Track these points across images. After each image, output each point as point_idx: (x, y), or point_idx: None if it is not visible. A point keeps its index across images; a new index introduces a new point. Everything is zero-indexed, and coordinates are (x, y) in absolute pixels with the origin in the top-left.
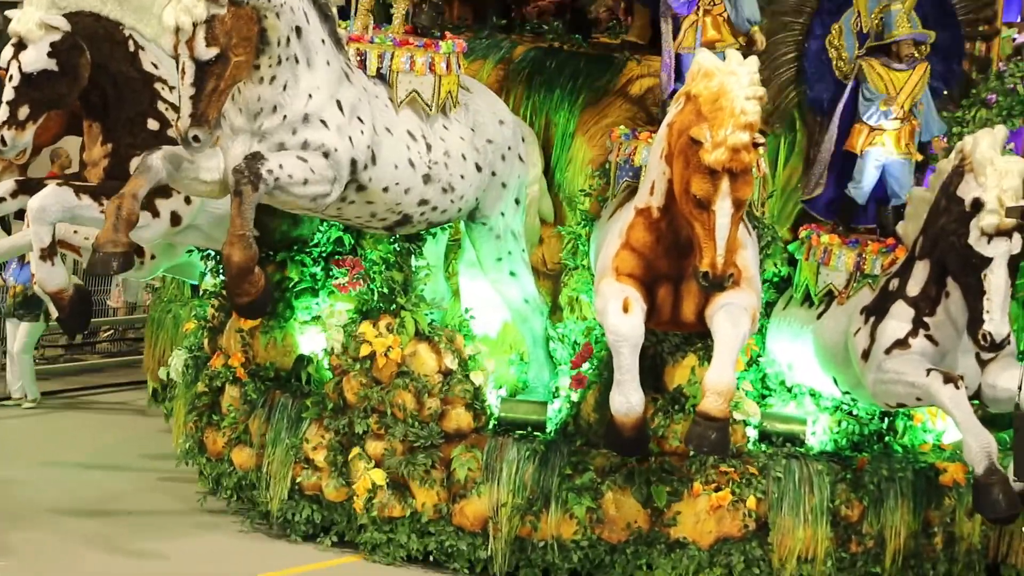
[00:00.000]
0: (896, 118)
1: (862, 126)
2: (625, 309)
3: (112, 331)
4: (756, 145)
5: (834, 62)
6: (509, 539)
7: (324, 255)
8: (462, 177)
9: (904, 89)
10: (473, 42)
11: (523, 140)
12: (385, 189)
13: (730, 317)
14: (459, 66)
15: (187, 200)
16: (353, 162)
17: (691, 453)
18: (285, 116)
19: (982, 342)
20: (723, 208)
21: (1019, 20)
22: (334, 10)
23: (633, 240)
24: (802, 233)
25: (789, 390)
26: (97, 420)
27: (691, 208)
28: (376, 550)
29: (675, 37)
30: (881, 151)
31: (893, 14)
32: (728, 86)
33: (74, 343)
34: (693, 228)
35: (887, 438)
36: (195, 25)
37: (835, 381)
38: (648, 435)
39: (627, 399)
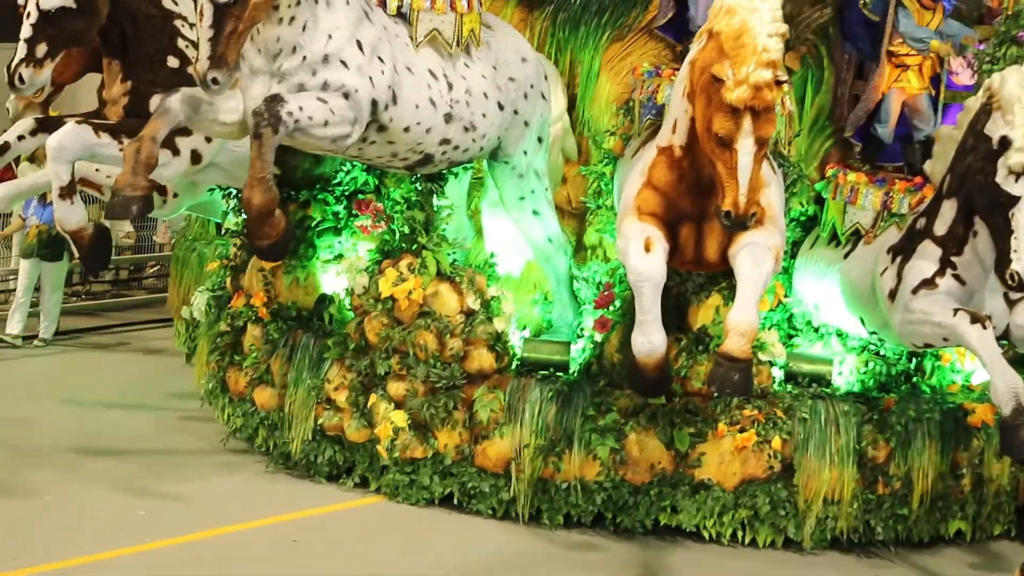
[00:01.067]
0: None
1: (888, 64)
2: (647, 249)
3: (158, 266)
4: (779, 83)
5: None
6: (532, 481)
7: (347, 194)
8: (484, 116)
9: (933, 23)
10: None
11: (546, 78)
12: (406, 129)
13: (753, 257)
14: (480, 4)
15: (207, 139)
16: (374, 102)
17: (715, 394)
18: (305, 57)
19: (1010, 282)
20: (745, 147)
21: None
22: None
23: (655, 179)
24: (829, 172)
25: (816, 330)
26: (124, 359)
27: (713, 147)
28: (398, 491)
29: None
30: (904, 89)
31: None
32: (750, 23)
33: (120, 279)
34: (715, 167)
35: (915, 379)
36: None
37: (862, 321)
38: (671, 376)
39: (649, 339)
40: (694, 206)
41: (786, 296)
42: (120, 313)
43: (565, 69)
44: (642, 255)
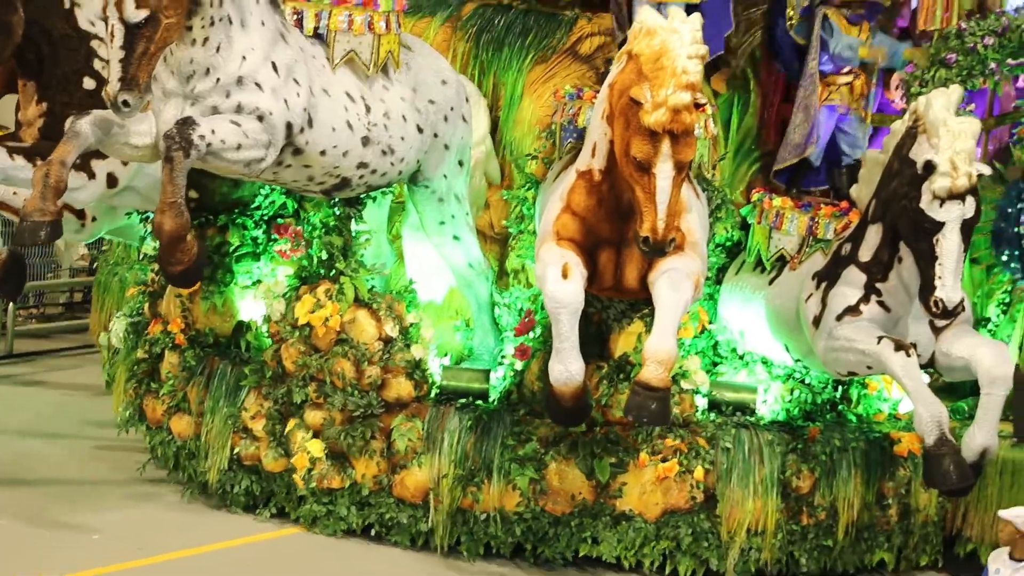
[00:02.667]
0: (850, 71)
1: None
2: (564, 275)
3: None
4: (699, 105)
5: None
6: (450, 511)
7: (266, 218)
8: (402, 139)
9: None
10: None
11: (467, 100)
12: (322, 152)
13: (672, 283)
14: (399, 25)
15: (124, 162)
16: (289, 125)
17: (634, 423)
18: (218, 79)
19: (934, 309)
20: (664, 171)
21: None
22: None
23: (574, 203)
24: (754, 196)
25: (741, 358)
26: (49, 383)
27: (632, 171)
28: (316, 522)
29: None
30: (837, 106)
31: None
32: (670, 45)
33: (75, 301)
34: (634, 191)
35: (840, 407)
36: None
37: (787, 348)
38: (589, 405)
39: (566, 368)
40: (613, 231)
41: (710, 323)
42: (75, 335)
43: (488, 91)
44: (559, 281)
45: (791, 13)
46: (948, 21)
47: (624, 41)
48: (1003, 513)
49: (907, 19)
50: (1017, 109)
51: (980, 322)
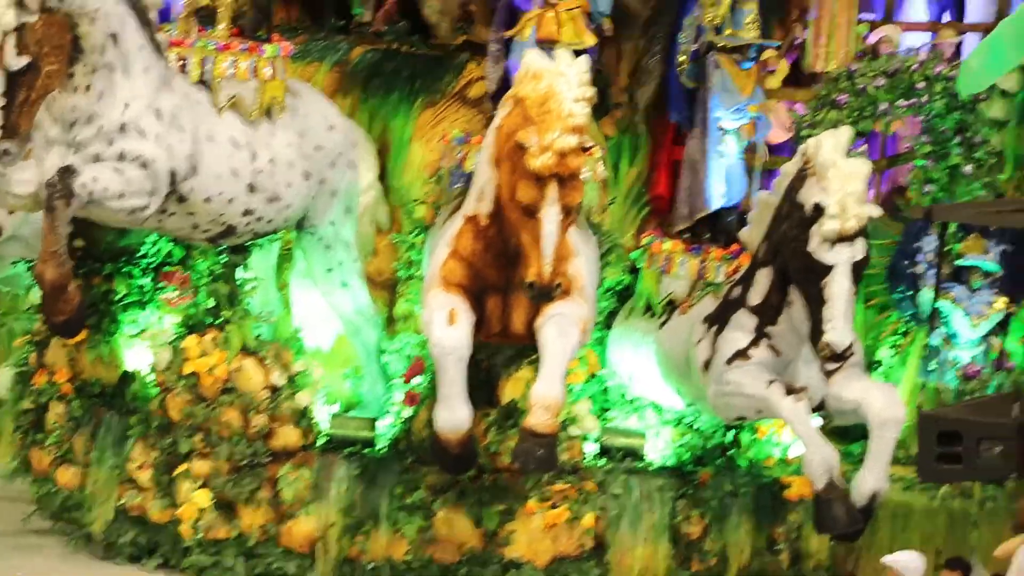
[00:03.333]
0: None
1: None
2: (451, 321)
3: None
4: (585, 149)
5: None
6: (338, 561)
7: (153, 266)
8: (289, 185)
9: (749, 85)
10: (309, 44)
11: (355, 146)
12: (207, 200)
13: (558, 329)
14: (284, 70)
15: (9, 211)
16: (172, 173)
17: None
18: (101, 126)
19: (824, 352)
20: (550, 215)
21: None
22: (154, 14)
23: (461, 248)
24: (644, 240)
25: (631, 403)
26: None
27: (518, 215)
28: (203, 573)
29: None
30: (728, 153)
31: (744, 13)
32: (556, 88)
33: None
34: (520, 236)
35: (731, 452)
36: (4, 33)
37: (677, 393)
38: (476, 452)
39: (453, 414)
40: (501, 276)
41: (601, 368)
42: None
43: (377, 136)
44: (446, 328)
45: (682, 58)
46: (839, 62)
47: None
48: (887, 559)
49: (792, 57)
50: (911, 150)
51: (872, 364)
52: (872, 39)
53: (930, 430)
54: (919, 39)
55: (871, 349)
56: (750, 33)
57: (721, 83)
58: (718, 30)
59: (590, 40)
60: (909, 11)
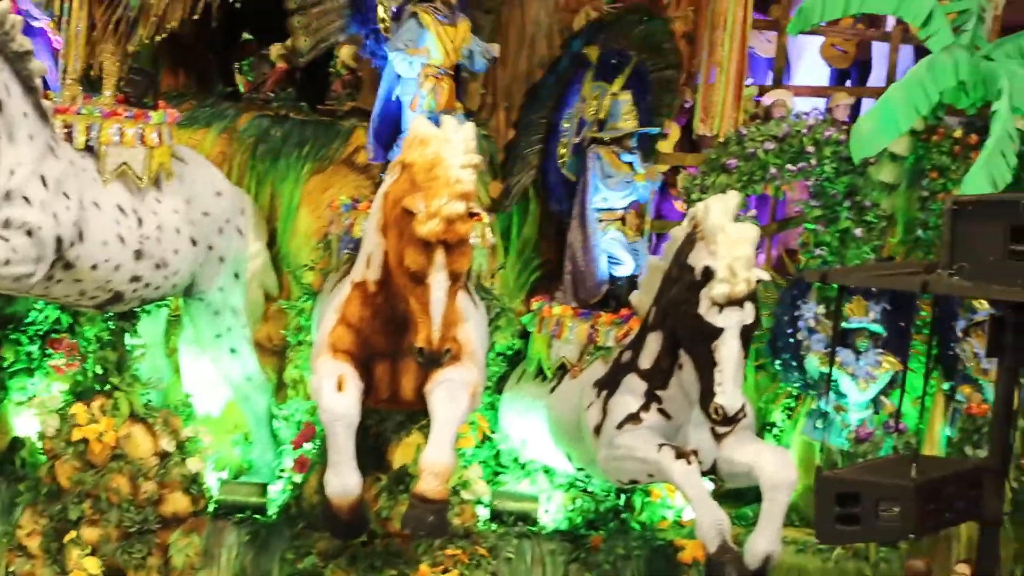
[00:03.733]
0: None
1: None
2: (339, 387)
3: None
4: (472, 215)
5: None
6: None
7: (41, 333)
8: (176, 252)
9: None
10: (196, 111)
11: (243, 212)
12: (94, 267)
13: (448, 394)
14: (171, 137)
15: None
16: (58, 240)
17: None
18: None
19: (714, 415)
20: (438, 281)
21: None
22: (38, 81)
23: (349, 315)
24: (534, 305)
25: (523, 467)
26: None
27: (406, 281)
28: None
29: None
30: (615, 235)
31: (620, 104)
32: (443, 154)
33: None
34: (408, 302)
35: (624, 515)
36: None
37: (568, 457)
38: (367, 518)
39: (343, 480)
40: (389, 343)
41: (492, 432)
42: None
43: (265, 202)
44: (334, 394)
45: (562, 151)
46: (728, 125)
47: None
48: None
49: (683, 121)
50: (801, 214)
51: (766, 427)
52: (766, 101)
53: (828, 491)
54: (809, 104)
55: (764, 412)
56: (629, 123)
57: (601, 171)
58: (600, 124)
59: (460, 108)
60: (797, 76)
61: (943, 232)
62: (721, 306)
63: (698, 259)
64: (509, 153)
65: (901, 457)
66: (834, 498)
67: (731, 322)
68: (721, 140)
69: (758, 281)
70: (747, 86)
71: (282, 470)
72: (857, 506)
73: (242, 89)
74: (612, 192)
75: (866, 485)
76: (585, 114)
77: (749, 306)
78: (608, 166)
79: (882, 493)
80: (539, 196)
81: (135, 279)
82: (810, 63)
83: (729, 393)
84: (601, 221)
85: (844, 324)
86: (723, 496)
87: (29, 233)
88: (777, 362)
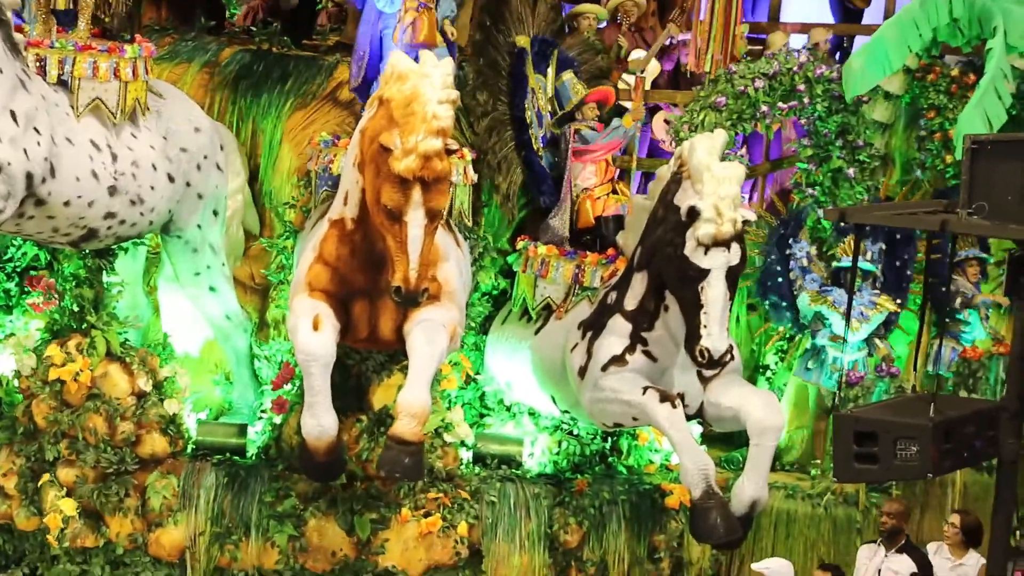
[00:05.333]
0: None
1: (585, 200)
2: (315, 327)
3: None
4: (450, 151)
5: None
6: (208, 570)
7: (19, 270)
8: (152, 188)
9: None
10: (178, 45)
11: (221, 148)
12: (66, 203)
13: (425, 334)
14: (148, 71)
15: None
16: (29, 176)
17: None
18: None
19: (699, 358)
20: (415, 219)
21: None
22: (9, 14)
23: (326, 254)
24: (519, 244)
25: (508, 409)
26: None
27: (383, 219)
28: None
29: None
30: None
31: (567, 84)
32: (421, 90)
33: None
34: (386, 240)
35: (610, 459)
36: None
37: (553, 400)
38: (344, 459)
39: (318, 421)
40: (367, 281)
41: (477, 373)
42: None
43: (247, 138)
44: (310, 333)
45: (537, 146)
46: (719, 65)
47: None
48: (755, 565)
49: (673, 61)
50: (794, 153)
51: (758, 369)
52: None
53: (847, 430)
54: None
55: (757, 354)
56: (580, 92)
57: (583, 141)
58: (552, 113)
59: (441, 43)
60: (789, 11)
61: (961, 171)
62: (707, 247)
63: (684, 199)
64: (488, 160)
65: (920, 396)
66: (852, 437)
67: (717, 263)
68: (712, 78)
69: (745, 221)
70: (741, 23)
71: (262, 410)
72: (875, 445)
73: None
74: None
75: (884, 424)
76: (540, 107)
77: (736, 247)
78: (588, 134)
79: (900, 432)
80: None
81: (110, 215)
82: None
83: (715, 335)
84: (598, 199)
85: (837, 263)
86: (712, 440)
87: None
88: (768, 302)
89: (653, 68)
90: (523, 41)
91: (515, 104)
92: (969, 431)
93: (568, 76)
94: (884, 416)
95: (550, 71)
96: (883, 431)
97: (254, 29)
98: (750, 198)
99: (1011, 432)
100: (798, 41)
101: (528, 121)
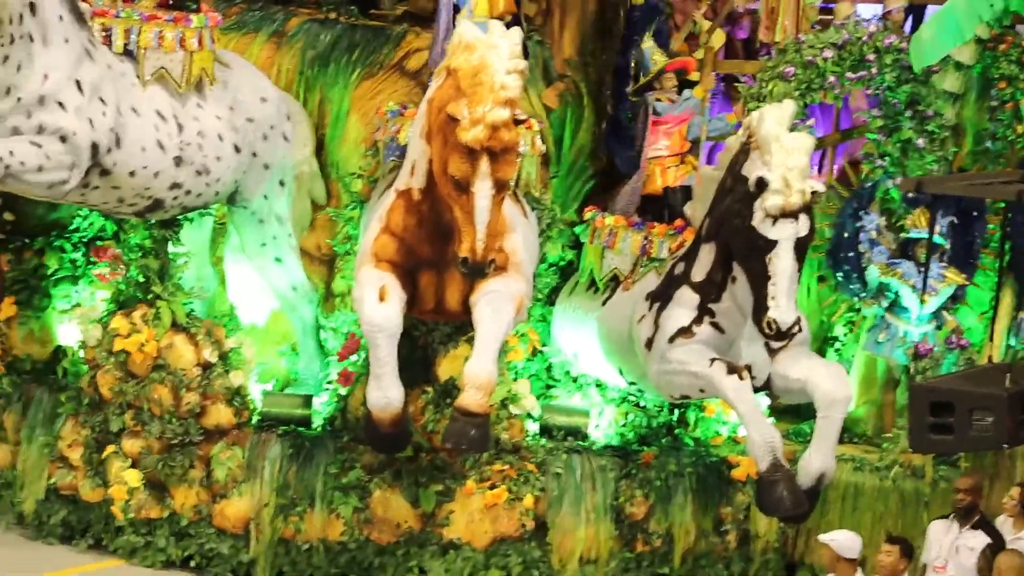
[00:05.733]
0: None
1: (656, 166)
2: (381, 298)
3: None
4: (518, 122)
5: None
6: (272, 541)
7: (85, 241)
8: (218, 159)
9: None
10: (245, 15)
11: (288, 118)
12: (132, 173)
13: (492, 306)
14: (213, 41)
15: None
16: (94, 146)
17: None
18: (19, 98)
19: (767, 330)
20: (483, 190)
21: None
22: None
23: (393, 224)
24: (587, 215)
25: (575, 380)
26: None
27: (450, 190)
28: (135, 554)
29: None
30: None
31: (647, 52)
32: (488, 60)
33: None
34: (453, 211)
35: (677, 431)
36: None
37: (620, 371)
38: (410, 431)
39: (384, 393)
40: (434, 253)
41: (544, 345)
42: None
43: (314, 109)
44: (376, 305)
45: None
46: (790, 33)
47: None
48: (822, 537)
49: (747, 31)
50: (864, 123)
51: (827, 340)
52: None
53: (922, 401)
54: (872, 11)
55: (827, 326)
56: (659, 62)
57: (655, 112)
58: (635, 78)
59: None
60: None
61: None
62: (775, 218)
63: (752, 169)
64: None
65: (996, 366)
66: (928, 407)
67: (785, 234)
68: (780, 48)
69: (813, 192)
70: None
71: (328, 382)
72: (951, 415)
73: None
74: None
75: (960, 394)
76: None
77: (804, 218)
78: (660, 105)
79: (976, 402)
80: (592, 97)
81: (175, 186)
82: None
83: (783, 307)
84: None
85: (906, 235)
86: (781, 412)
87: (63, 139)
88: (838, 273)
89: (718, 38)
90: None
91: (623, 54)
92: None
93: (648, 44)
94: (960, 386)
95: (647, 36)
96: (959, 401)
97: None
98: (819, 168)
99: None
100: (869, 12)
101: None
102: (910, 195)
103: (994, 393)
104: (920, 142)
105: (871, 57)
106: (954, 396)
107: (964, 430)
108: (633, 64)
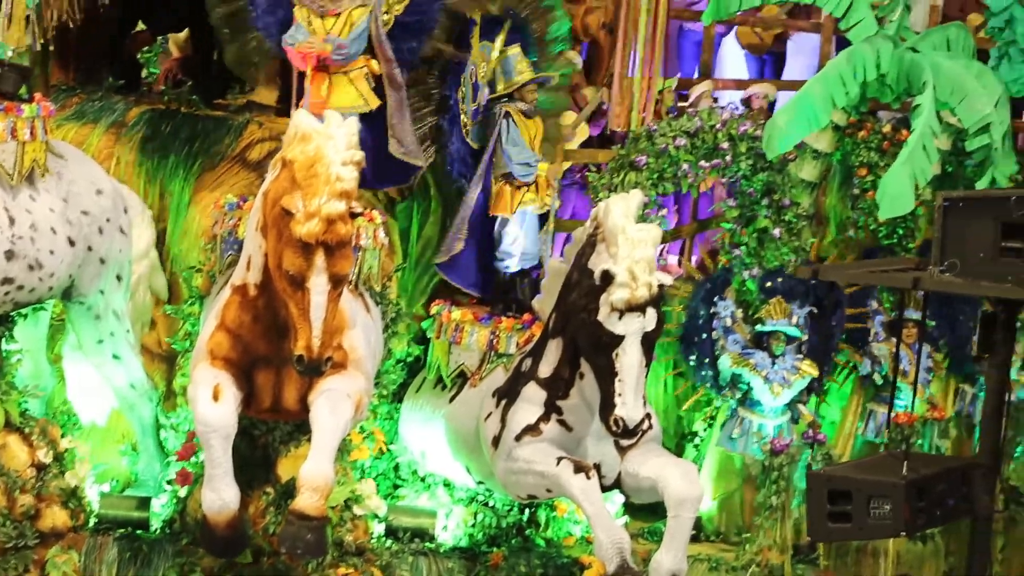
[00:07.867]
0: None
1: (505, 186)
2: (215, 397)
3: None
4: (354, 215)
5: (462, 119)
6: None
7: None
8: (52, 253)
9: (537, 136)
10: (84, 104)
11: (126, 211)
12: None
13: (329, 405)
14: (46, 131)
15: None
16: None
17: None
18: None
19: (614, 428)
20: (318, 285)
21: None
22: None
23: (229, 320)
24: (433, 309)
25: (423, 480)
26: None
27: (285, 285)
28: None
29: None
30: (532, 208)
31: (511, 59)
32: (324, 151)
33: None
34: (289, 307)
35: (528, 531)
36: None
37: (468, 470)
38: (247, 535)
39: (219, 495)
40: (271, 350)
41: (390, 444)
42: None
43: (154, 201)
44: (210, 404)
45: (464, 120)
46: (643, 122)
47: None
48: None
49: (600, 127)
50: (720, 213)
51: (686, 436)
52: (694, 95)
53: (820, 488)
54: (732, 98)
55: (686, 421)
56: (524, 75)
57: (509, 137)
58: (491, 85)
59: (374, 102)
60: (725, 70)
61: (935, 229)
62: (621, 312)
63: (598, 262)
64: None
65: (893, 454)
66: (826, 495)
67: (632, 329)
68: (632, 136)
69: (660, 286)
70: (668, 78)
71: (168, 482)
72: (848, 503)
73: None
74: (516, 163)
75: (857, 482)
76: (477, 78)
77: (651, 312)
78: (515, 130)
79: (873, 490)
80: (439, 186)
81: (7, 281)
82: (734, 56)
83: (630, 404)
84: (517, 189)
85: (760, 327)
86: (636, 510)
87: None
88: (690, 359)
89: (582, 130)
90: (475, 12)
91: (444, 81)
92: (942, 488)
93: (514, 51)
94: (857, 474)
95: (498, 40)
96: (856, 489)
97: (163, 88)
98: (680, 258)
99: (985, 489)
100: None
101: (456, 99)
102: (767, 285)
103: (891, 481)
104: (776, 232)
105: (725, 145)
106: (851, 484)
107: (862, 518)
108: (484, 73)
